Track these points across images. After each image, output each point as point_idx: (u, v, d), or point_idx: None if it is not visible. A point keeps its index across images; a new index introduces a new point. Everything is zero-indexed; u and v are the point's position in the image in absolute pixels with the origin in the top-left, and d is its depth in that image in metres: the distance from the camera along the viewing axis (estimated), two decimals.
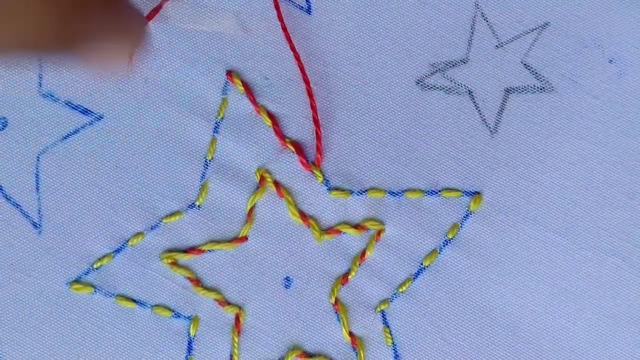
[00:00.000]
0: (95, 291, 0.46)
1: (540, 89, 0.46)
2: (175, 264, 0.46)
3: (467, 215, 0.46)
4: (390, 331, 0.46)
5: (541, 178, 0.46)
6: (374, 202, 0.46)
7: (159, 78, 0.47)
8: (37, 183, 0.47)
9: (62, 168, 0.47)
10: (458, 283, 0.46)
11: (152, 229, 0.46)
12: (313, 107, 0.46)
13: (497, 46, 0.47)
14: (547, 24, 0.46)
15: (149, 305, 0.46)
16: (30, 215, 0.46)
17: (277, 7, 0.46)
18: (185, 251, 0.46)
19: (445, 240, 0.46)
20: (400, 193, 0.46)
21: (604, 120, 0.46)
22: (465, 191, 0.46)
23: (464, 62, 0.47)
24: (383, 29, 0.47)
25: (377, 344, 0.46)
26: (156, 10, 0.46)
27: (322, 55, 0.47)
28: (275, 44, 0.47)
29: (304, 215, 0.46)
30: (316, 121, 0.46)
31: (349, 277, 0.46)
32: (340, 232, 0.46)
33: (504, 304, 0.46)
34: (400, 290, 0.46)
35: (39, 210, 0.46)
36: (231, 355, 0.46)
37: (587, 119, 0.46)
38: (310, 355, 0.46)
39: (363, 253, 0.46)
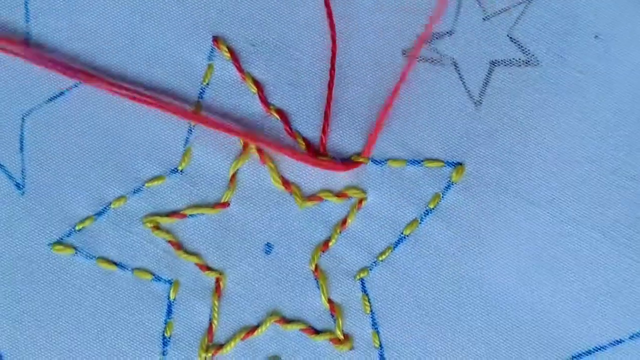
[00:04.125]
0: (76, 253, 0.46)
1: (526, 63, 0.46)
2: (157, 227, 0.46)
3: (448, 186, 0.46)
4: (369, 299, 0.46)
5: (524, 151, 0.46)
6: (357, 170, 0.46)
7: (146, 42, 0.47)
8: (22, 144, 0.47)
9: (46, 130, 0.47)
10: (438, 253, 0.46)
11: (134, 192, 0.47)
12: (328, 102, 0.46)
13: (483, 19, 0.47)
14: None
15: (129, 268, 0.46)
16: (13, 176, 0.47)
17: None
18: (168, 215, 0.47)
19: (427, 210, 0.46)
20: (383, 162, 0.46)
21: (589, 96, 0.46)
22: (448, 162, 0.46)
23: (450, 34, 0.47)
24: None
25: (355, 311, 0.46)
26: None
27: (309, 22, 0.47)
28: (263, 10, 0.47)
29: (286, 182, 0.47)
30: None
31: (330, 244, 0.46)
32: (322, 199, 0.46)
33: (483, 275, 0.46)
34: (380, 258, 0.46)
35: (23, 171, 0.47)
36: (210, 320, 0.46)
37: (571, 93, 0.46)
38: (288, 320, 0.46)
39: (344, 221, 0.46)
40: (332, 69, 0.46)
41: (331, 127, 0.47)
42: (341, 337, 0.46)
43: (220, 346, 0.46)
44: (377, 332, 0.46)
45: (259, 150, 0.46)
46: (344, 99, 0.47)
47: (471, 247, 0.46)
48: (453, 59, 0.47)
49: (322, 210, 0.47)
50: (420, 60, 0.47)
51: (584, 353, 0.46)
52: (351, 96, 0.46)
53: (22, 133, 0.47)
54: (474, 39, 0.46)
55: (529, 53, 0.46)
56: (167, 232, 0.47)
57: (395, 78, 0.46)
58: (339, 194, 0.46)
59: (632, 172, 0.46)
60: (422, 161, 0.46)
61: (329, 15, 0.46)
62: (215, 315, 0.46)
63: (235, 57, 0.47)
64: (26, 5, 0.47)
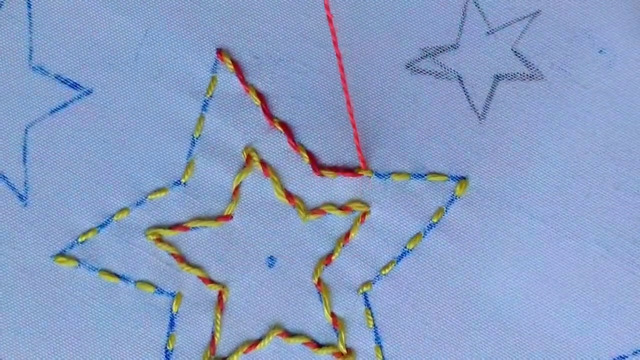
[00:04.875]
0: (79, 265, 0.46)
1: (530, 77, 0.46)
2: (160, 240, 0.46)
3: (452, 200, 0.46)
4: (372, 313, 0.46)
5: (527, 165, 0.46)
6: (360, 183, 0.46)
7: (150, 55, 0.47)
8: (25, 155, 0.47)
9: (49, 141, 0.47)
10: (441, 267, 0.46)
11: (137, 205, 0.47)
12: (355, 136, 0.46)
13: (488, 33, 0.47)
14: (538, 12, 0.46)
15: (132, 281, 0.46)
16: (16, 187, 0.47)
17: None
18: (170, 228, 0.46)
19: (430, 224, 0.46)
20: (386, 175, 0.46)
21: (592, 110, 0.46)
22: (452, 176, 0.46)
23: (455, 48, 0.47)
24: (375, 11, 0.47)
25: (358, 325, 0.46)
26: None
27: (313, 35, 0.47)
28: (266, 23, 0.47)
29: (289, 195, 0.47)
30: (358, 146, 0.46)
31: (333, 257, 0.46)
32: (326, 212, 0.46)
33: (487, 290, 0.46)
34: (383, 272, 0.46)
35: (26, 183, 0.47)
36: (213, 333, 0.46)
37: (575, 108, 0.46)
38: (291, 334, 0.46)
39: (347, 234, 0.46)
40: (343, 81, 0.46)
41: (336, 140, 0.47)
42: (344, 351, 0.46)
43: (223, 359, 0.46)
44: (380, 347, 0.46)
45: (263, 163, 0.46)
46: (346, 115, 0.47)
47: (474, 261, 0.46)
48: (457, 72, 0.47)
49: (326, 224, 0.47)
50: (425, 73, 0.47)
51: None
52: (355, 109, 0.47)
53: (26, 144, 0.47)
54: (478, 53, 0.46)
55: (533, 67, 0.46)
56: (170, 244, 0.46)
57: (398, 92, 0.46)
58: (343, 208, 0.46)
59: (635, 188, 0.46)
60: (425, 175, 0.46)
61: (332, 32, 0.46)
62: (218, 328, 0.46)
63: (238, 70, 0.47)
64: (29, 15, 0.47)
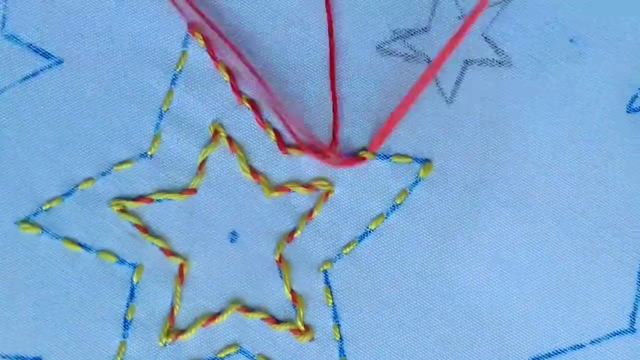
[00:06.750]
0: (42, 232, 0.47)
1: (499, 63, 0.47)
2: (123, 210, 0.47)
3: (416, 182, 0.46)
4: (331, 291, 0.46)
5: (491, 150, 0.46)
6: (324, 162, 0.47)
7: (122, 27, 0.47)
8: None
9: (18, 109, 0.47)
10: (402, 248, 0.46)
11: (102, 175, 0.47)
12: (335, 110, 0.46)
13: (459, 17, 0.47)
14: None
15: (94, 250, 0.47)
16: None
17: None
18: (135, 199, 0.47)
19: (393, 205, 0.46)
20: (352, 155, 0.47)
21: (559, 98, 0.46)
22: (416, 158, 0.46)
23: (426, 31, 0.47)
24: None
25: (317, 302, 0.47)
26: None
27: (284, 12, 0.47)
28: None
29: (254, 172, 0.47)
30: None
31: (295, 235, 0.47)
32: (290, 190, 0.47)
33: (446, 272, 0.46)
34: (344, 251, 0.46)
35: None
36: (172, 305, 0.46)
37: (542, 95, 0.46)
38: (250, 309, 0.47)
39: (310, 212, 0.47)
40: (332, 59, 0.46)
41: (308, 119, 0.47)
42: (302, 328, 0.46)
43: (181, 332, 0.46)
44: (338, 325, 0.46)
45: (229, 139, 0.47)
46: (317, 94, 0.47)
47: (435, 243, 0.46)
48: (427, 55, 0.47)
49: (289, 201, 0.47)
50: (395, 55, 0.47)
51: (543, 356, 0.46)
52: (323, 91, 0.47)
53: None
54: (449, 37, 0.47)
55: (503, 54, 0.46)
56: (134, 215, 0.47)
57: (368, 74, 0.47)
58: (307, 185, 0.47)
59: (598, 176, 0.46)
60: (390, 156, 0.46)
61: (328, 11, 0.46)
62: (177, 300, 0.46)
63: (209, 45, 0.47)
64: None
